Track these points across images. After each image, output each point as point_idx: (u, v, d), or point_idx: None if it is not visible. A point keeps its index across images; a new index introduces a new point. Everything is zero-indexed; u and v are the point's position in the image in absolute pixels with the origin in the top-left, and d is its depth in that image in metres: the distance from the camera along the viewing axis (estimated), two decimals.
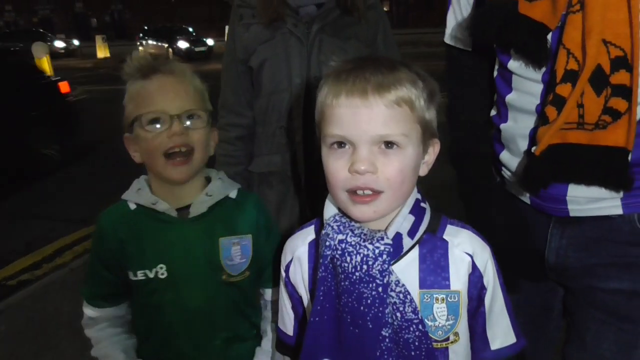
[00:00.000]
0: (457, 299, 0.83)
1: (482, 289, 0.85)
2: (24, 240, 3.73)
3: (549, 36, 0.87)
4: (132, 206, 1.10)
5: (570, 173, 0.87)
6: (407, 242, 0.83)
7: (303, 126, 1.46)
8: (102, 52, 19.53)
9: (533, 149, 0.89)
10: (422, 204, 0.87)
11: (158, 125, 1.03)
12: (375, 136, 0.78)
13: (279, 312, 1.02)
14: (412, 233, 0.83)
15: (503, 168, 1.04)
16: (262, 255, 1.15)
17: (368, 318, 0.80)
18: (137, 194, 1.11)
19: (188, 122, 1.05)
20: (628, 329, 0.94)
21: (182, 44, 19.51)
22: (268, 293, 1.20)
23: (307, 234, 0.95)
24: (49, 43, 20.80)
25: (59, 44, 21.75)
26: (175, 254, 1.08)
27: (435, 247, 0.84)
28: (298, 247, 0.95)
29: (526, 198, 1.01)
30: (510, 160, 1.00)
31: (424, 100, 0.80)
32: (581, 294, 0.99)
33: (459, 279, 0.84)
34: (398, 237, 0.82)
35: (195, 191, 1.11)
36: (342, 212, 0.87)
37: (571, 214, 0.94)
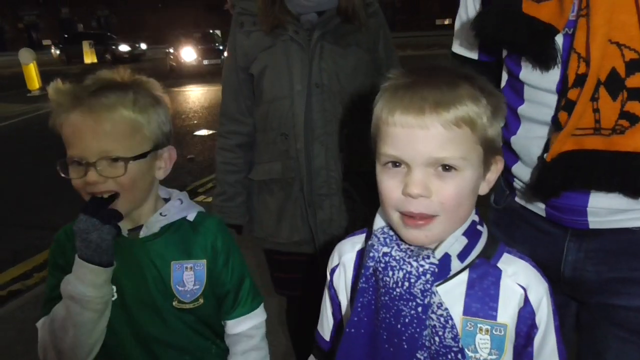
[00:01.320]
0: (503, 332, 0.78)
1: (533, 327, 0.79)
2: (13, 249, 3.67)
3: (560, 41, 0.86)
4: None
5: (588, 180, 0.85)
6: (455, 264, 0.78)
7: (304, 133, 1.45)
8: (89, 58, 19.37)
9: (545, 155, 0.88)
10: (479, 227, 0.82)
11: (78, 168, 0.95)
12: (431, 159, 0.73)
13: (320, 316, 0.98)
14: (462, 256, 0.79)
15: (515, 180, 1.02)
16: (219, 282, 1.08)
17: (404, 338, 0.76)
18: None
19: (106, 167, 0.95)
20: None
21: (123, 47, 20.40)
22: (230, 326, 1.12)
23: (357, 241, 0.92)
24: (112, 47, 20.50)
25: (124, 47, 21.05)
26: (125, 276, 1.02)
27: (486, 274, 0.80)
28: (346, 253, 0.92)
29: (540, 210, 0.98)
30: (524, 171, 0.98)
31: (487, 118, 0.75)
32: (600, 310, 0.97)
33: (507, 312, 0.78)
34: (446, 258, 0.78)
35: (149, 212, 1.05)
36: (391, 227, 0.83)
37: (591, 226, 0.91)
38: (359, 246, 0.91)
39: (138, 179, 0.98)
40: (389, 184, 0.77)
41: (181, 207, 1.08)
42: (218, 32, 16.84)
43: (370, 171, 1.56)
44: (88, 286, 0.94)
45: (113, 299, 1.01)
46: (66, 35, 22.19)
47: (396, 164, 0.76)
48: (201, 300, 1.06)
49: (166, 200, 1.11)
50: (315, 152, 1.45)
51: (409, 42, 18.89)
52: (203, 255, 1.07)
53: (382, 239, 0.81)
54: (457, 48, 1.13)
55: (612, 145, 0.81)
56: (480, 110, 0.74)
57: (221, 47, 14.30)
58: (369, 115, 1.54)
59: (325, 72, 1.44)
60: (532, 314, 0.79)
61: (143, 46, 22.53)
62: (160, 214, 1.05)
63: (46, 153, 6.17)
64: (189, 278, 1.05)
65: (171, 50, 15.74)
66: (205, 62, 14.73)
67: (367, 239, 0.89)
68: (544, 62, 0.86)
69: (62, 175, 0.98)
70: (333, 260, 0.94)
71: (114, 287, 1.01)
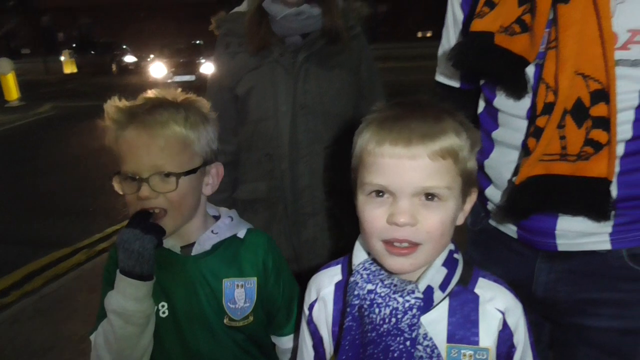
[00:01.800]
0: (486, 356, 0.81)
1: (512, 347, 0.83)
2: None
3: (531, 72, 0.90)
4: None
5: (555, 203, 0.89)
6: (438, 295, 0.81)
7: (289, 153, 1.47)
8: (68, 68, 19.17)
9: (513, 178, 0.91)
10: (455, 255, 0.86)
11: (131, 184, 0.98)
12: (418, 188, 0.76)
13: (299, 351, 0.99)
14: (443, 286, 0.82)
15: (489, 202, 1.06)
16: (270, 299, 1.10)
17: None
18: None
19: (159, 183, 0.98)
20: None
21: (129, 58, 19.22)
22: (282, 342, 1.16)
23: (334, 274, 0.93)
24: (119, 57, 18.85)
25: (130, 58, 19.52)
26: (177, 293, 1.05)
27: (466, 300, 0.83)
28: (324, 287, 0.93)
29: (512, 232, 1.02)
30: (496, 194, 1.02)
31: (467, 151, 0.79)
32: (572, 330, 1.01)
33: (488, 336, 0.81)
34: (429, 290, 0.81)
35: (199, 229, 1.08)
36: (373, 259, 0.85)
37: (559, 248, 0.96)
38: (337, 278, 0.92)
39: (188, 194, 1.01)
40: (374, 214, 0.79)
41: (231, 225, 1.11)
42: (201, 42, 15.74)
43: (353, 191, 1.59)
44: (129, 300, 0.96)
45: (164, 315, 1.04)
46: (74, 45, 21.03)
47: (380, 193, 0.79)
48: (251, 318, 1.08)
49: (215, 217, 1.13)
50: (300, 171, 1.48)
51: (391, 53, 19.07)
52: (254, 273, 1.08)
53: (365, 276, 0.83)
54: (440, 77, 1.18)
55: (578, 171, 0.86)
56: (462, 143, 0.78)
57: (202, 60, 13.04)
58: (351, 139, 1.58)
59: (310, 93, 1.47)
60: (511, 335, 0.82)
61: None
62: (212, 231, 1.08)
63: (25, 166, 6.09)
64: (240, 295, 1.07)
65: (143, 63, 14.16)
66: (177, 78, 12.84)
67: (344, 270, 0.91)
68: (516, 91, 0.91)
69: (118, 191, 1.01)
70: (311, 295, 0.95)
71: (165, 304, 1.04)
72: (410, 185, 0.76)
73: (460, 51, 0.94)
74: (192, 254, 1.06)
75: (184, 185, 0.99)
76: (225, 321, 1.06)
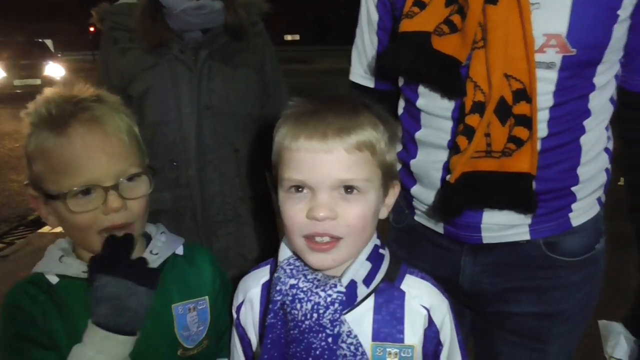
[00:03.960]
0: (411, 354, 0.81)
1: (438, 345, 0.84)
2: None
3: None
4: (54, 279, 0.87)
5: (484, 199, 0.94)
6: (362, 290, 0.80)
7: (196, 159, 1.37)
8: None
9: (448, 177, 0.94)
10: (381, 250, 0.85)
11: (88, 198, 0.81)
12: (336, 181, 0.75)
13: (230, 354, 0.94)
14: (367, 281, 0.81)
15: (414, 200, 1.08)
16: (221, 319, 1.00)
17: None
18: (59, 264, 0.87)
19: (127, 189, 0.84)
20: (539, 349, 1.04)
21: None
22: None
23: (262, 275, 0.89)
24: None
25: None
26: None
27: (392, 297, 0.82)
28: (251, 288, 0.88)
29: (439, 228, 1.06)
30: (423, 193, 1.04)
31: (385, 144, 0.79)
32: (494, 318, 1.06)
33: (414, 333, 0.82)
34: (352, 285, 0.79)
35: (139, 250, 0.92)
36: (297, 255, 0.82)
37: (484, 241, 1.00)
38: (264, 279, 0.89)
39: (147, 204, 0.87)
40: (294, 209, 0.78)
41: (168, 241, 0.96)
42: (48, 41, 13.61)
43: (266, 196, 1.54)
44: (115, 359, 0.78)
45: None
46: None
47: (299, 188, 0.77)
48: (205, 343, 0.95)
49: (143, 236, 0.96)
50: (208, 178, 1.39)
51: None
52: (204, 291, 0.97)
53: (288, 271, 0.81)
54: (356, 77, 1.17)
55: (502, 167, 0.91)
56: (379, 135, 0.79)
57: (49, 63, 11.25)
58: (262, 137, 1.52)
59: (215, 93, 1.38)
60: (437, 332, 0.84)
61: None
62: (151, 252, 0.91)
63: None
64: (192, 320, 0.93)
65: None
66: (18, 82, 10.97)
67: (273, 270, 0.88)
68: (451, 92, 0.93)
69: (38, 204, 0.82)
70: (238, 298, 0.91)
71: None
72: (328, 178, 0.75)
73: (395, 52, 0.94)
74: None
75: (145, 198, 0.87)
76: (178, 352, 0.93)
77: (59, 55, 14.22)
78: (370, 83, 1.15)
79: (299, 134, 0.76)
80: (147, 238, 0.97)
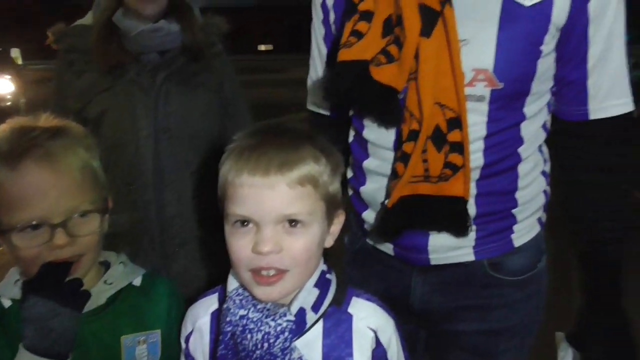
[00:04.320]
0: None
1: None
2: None
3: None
4: (7, 303, 0.88)
5: (422, 221, 0.98)
6: (310, 316, 0.83)
7: (153, 181, 1.38)
8: None
9: (386, 201, 0.98)
10: (328, 275, 0.88)
11: (35, 234, 0.82)
12: (280, 215, 0.78)
13: None
14: (316, 307, 0.83)
15: (366, 224, 1.12)
16: (174, 353, 0.98)
17: None
18: (13, 288, 0.88)
19: (77, 225, 0.85)
20: None
21: None
22: None
23: (210, 303, 0.90)
24: None
25: None
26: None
27: (339, 320, 0.85)
28: (200, 317, 0.89)
29: (389, 250, 1.10)
30: (373, 216, 1.08)
31: (328, 175, 0.82)
32: (445, 336, 1.11)
33: (362, 355, 0.84)
34: (301, 312, 0.82)
35: (93, 279, 0.92)
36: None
37: (432, 263, 1.05)
38: (213, 308, 0.90)
39: (100, 238, 0.88)
40: (239, 244, 0.80)
41: (126, 272, 0.96)
42: (16, 50, 12.61)
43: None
44: None
45: None
46: None
47: (244, 223, 0.79)
48: None
49: (102, 264, 0.96)
50: (166, 200, 1.40)
51: (235, 65, 18.96)
52: (157, 325, 0.96)
53: (237, 301, 0.83)
54: (312, 106, 1.21)
55: (439, 191, 0.95)
56: (321, 168, 0.81)
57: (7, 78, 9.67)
58: (219, 161, 1.54)
59: (173, 115, 1.39)
60: (384, 352, 0.87)
61: None
62: (105, 282, 0.92)
63: None
64: (142, 353, 0.93)
65: None
66: None
67: (221, 298, 0.90)
68: (389, 121, 0.97)
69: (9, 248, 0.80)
70: (187, 327, 0.92)
71: None
72: (271, 213, 0.78)
73: (332, 81, 0.97)
74: (83, 310, 0.90)
75: (96, 235, 0.88)
76: None
77: (23, 65, 13.22)
78: (326, 112, 1.19)
79: (242, 169, 0.78)
80: (108, 266, 0.98)
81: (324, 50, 1.12)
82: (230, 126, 1.52)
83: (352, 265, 1.19)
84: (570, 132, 1.00)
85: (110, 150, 1.37)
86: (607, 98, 0.95)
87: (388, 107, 0.95)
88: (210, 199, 1.46)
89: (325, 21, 1.09)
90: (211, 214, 1.45)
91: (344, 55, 0.95)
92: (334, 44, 1.07)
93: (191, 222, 1.43)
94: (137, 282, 0.99)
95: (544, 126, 1.03)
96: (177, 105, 1.40)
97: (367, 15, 0.94)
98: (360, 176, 1.09)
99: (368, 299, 0.90)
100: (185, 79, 1.42)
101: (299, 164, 0.78)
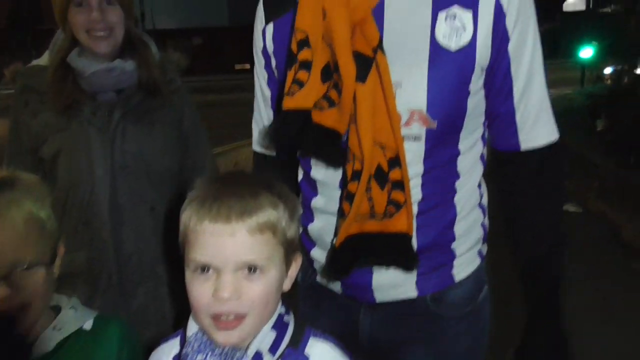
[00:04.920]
0: None
1: None
2: None
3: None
4: None
5: (369, 258, 1.00)
6: (267, 359, 0.83)
7: (110, 219, 1.39)
8: None
9: (333, 240, 1.01)
10: (286, 317, 0.89)
11: None
12: (239, 262, 0.79)
13: None
14: (273, 349, 0.84)
15: (315, 262, 1.14)
16: None
17: None
18: None
19: (22, 277, 0.85)
20: None
21: None
22: None
23: (172, 347, 0.90)
24: None
25: None
26: None
27: None
28: None
29: (337, 288, 1.11)
30: (321, 255, 1.10)
31: (286, 221, 0.84)
32: None
33: None
34: (258, 355, 0.83)
35: (40, 327, 0.92)
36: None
37: (377, 300, 1.07)
38: (174, 352, 0.91)
39: (46, 287, 0.88)
40: (199, 290, 0.81)
41: (76, 316, 0.95)
42: None
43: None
44: None
45: None
46: None
47: (205, 269, 0.81)
48: None
49: (54, 308, 0.95)
50: (124, 238, 1.40)
51: (210, 85, 19.02)
52: None
53: (196, 346, 0.84)
54: (257, 147, 1.22)
55: (385, 228, 0.98)
56: (280, 215, 0.83)
57: None
58: (182, 193, 1.55)
59: (130, 153, 1.40)
60: None
61: None
62: (54, 327, 0.91)
63: None
64: None
65: None
66: None
67: (182, 341, 0.90)
68: (334, 163, 1.00)
69: None
70: None
71: None
72: (231, 260, 0.79)
73: (277, 130, 1.00)
74: (31, 359, 0.90)
75: (40, 285, 0.88)
76: None
77: None
78: (272, 152, 1.20)
79: (204, 217, 0.80)
80: (59, 311, 0.98)
81: (268, 93, 1.15)
82: (189, 161, 1.54)
83: (304, 301, 1.21)
84: (505, 160, 1.05)
85: (66, 190, 1.38)
86: (534, 129, 1.01)
87: (332, 149, 0.98)
88: (168, 236, 1.48)
89: (267, 66, 1.12)
90: (169, 251, 1.47)
91: (288, 103, 0.98)
92: (277, 87, 1.10)
93: (149, 259, 1.44)
94: (88, 325, 0.99)
95: (481, 158, 1.08)
96: (134, 143, 1.41)
97: (306, 65, 0.97)
98: (309, 214, 1.11)
99: (325, 338, 0.91)
100: (142, 116, 1.43)
101: (258, 211, 0.81)
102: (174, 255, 1.46)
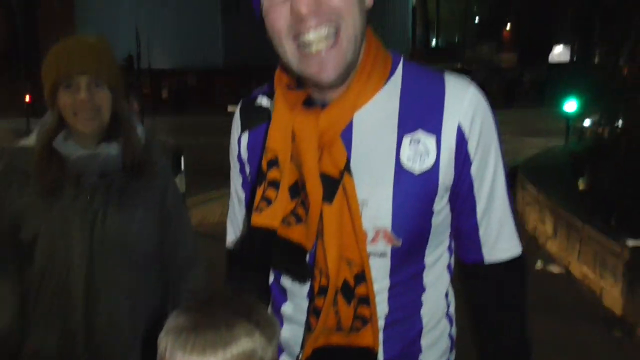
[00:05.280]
0: None
1: None
2: None
3: (307, 258, 1.03)
4: None
5: None
6: None
7: (84, 305, 1.38)
8: None
9: (299, 356, 1.01)
10: None
11: None
12: None
13: None
14: None
15: None
16: None
17: None
18: None
19: None
20: None
21: None
22: None
23: None
24: None
25: None
26: None
27: None
28: None
29: None
30: None
31: (262, 349, 0.85)
32: None
33: None
34: None
35: None
36: None
37: None
38: None
39: None
40: None
41: None
42: None
43: None
44: None
45: None
46: None
47: None
48: None
49: None
50: (97, 325, 1.39)
51: (204, 126, 19.15)
52: None
53: None
54: (232, 246, 1.23)
55: (351, 342, 1.00)
56: (256, 344, 0.85)
57: None
58: (160, 276, 1.55)
59: (109, 238, 1.41)
60: None
61: None
62: None
63: None
64: None
65: None
66: None
67: None
68: (300, 278, 1.02)
69: None
70: None
71: None
72: None
73: (243, 244, 1.03)
74: None
75: None
76: None
77: None
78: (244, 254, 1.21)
79: (178, 350, 0.82)
80: None
81: (242, 195, 1.18)
82: (169, 242, 1.54)
83: None
84: (470, 272, 1.08)
85: (42, 272, 1.38)
86: (497, 243, 1.04)
87: (298, 265, 1.00)
88: (145, 322, 1.46)
89: (242, 171, 1.15)
90: (146, 338, 1.46)
91: (256, 219, 1.01)
92: (251, 191, 1.13)
93: (123, 347, 1.42)
94: None
95: (447, 268, 1.10)
96: (114, 227, 1.42)
97: (275, 184, 1.00)
98: (279, 319, 1.11)
99: None
100: (125, 200, 1.44)
101: (233, 343, 0.83)
102: (147, 345, 1.46)
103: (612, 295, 3.67)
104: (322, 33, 0.90)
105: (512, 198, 1.07)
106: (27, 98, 18.45)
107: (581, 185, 5.32)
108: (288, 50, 0.94)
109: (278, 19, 0.92)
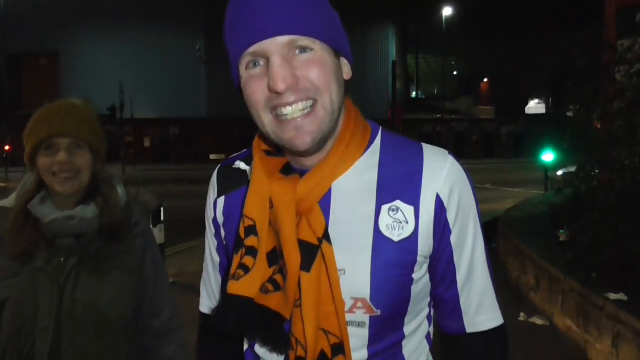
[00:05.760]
0: None
1: None
2: None
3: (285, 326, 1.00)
4: None
5: None
6: None
7: None
8: None
9: None
10: None
11: None
12: None
13: None
14: None
15: None
16: None
17: None
18: None
19: None
20: None
21: None
22: None
23: None
24: None
25: None
26: None
27: None
28: None
29: None
30: None
31: None
32: None
33: None
34: None
35: None
36: None
37: None
38: None
39: None
40: None
41: None
42: None
43: None
44: None
45: None
46: None
47: None
48: None
49: None
50: None
51: (185, 175, 19.14)
52: None
53: None
54: (205, 309, 1.20)
55: None
56: None
57: None
58: (133, 349, 1.48)
59: (80, 303, 1.36)
60: None
61: None
62: None
63: None
64: None
65: None
66: None
67: None
68: (277, 347, 0.99)
69: None
70: None
71: None
72: None
73: (219, 316, 1.00)
74: None
75: None
76: None
77: None
78: None
79: None
80: None
81: (217, 259, 1.16)
82: (146, 308, 1.49)
83: None
84: (451, 342, 1.06)
85: (7, 340, 1.32)
86: (478, 314, 1.03)
87: (275, 334, 0.97)
88: None
89: (217, 235, 1.14)
90: None
91: (232, 288, 0.99)
92: (226, 255, 1.12)
93: None
94: None
95: (427, 337, 1.08)
96: (85, 292, 1.37)
97: (253, 251, 0.99)
98: None
99: None
100: (99, 263, 1.40)
101: None
102: None
103: (597, 349, 3.62)
104: (299, 107, 0.91)
105: (492, 267, 1.06)
106: (7, 147, 18.72)
107: (561, 236, 5.35)
108: (266, 121, 0.94)
109: (256, 91, 0.93)
